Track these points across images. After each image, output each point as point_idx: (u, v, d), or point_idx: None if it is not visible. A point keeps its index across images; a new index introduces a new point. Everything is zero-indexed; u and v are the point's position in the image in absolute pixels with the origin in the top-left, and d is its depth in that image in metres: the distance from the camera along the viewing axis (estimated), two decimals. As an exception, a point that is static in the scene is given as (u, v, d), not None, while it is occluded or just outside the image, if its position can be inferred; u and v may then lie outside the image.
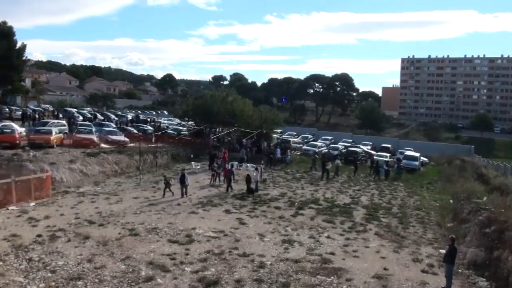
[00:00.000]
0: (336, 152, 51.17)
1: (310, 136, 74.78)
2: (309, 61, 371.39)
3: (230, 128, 52.74)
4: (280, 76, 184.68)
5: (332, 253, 18.26)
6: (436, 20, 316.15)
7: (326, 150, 54.53)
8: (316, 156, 48.22)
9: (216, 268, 15.88)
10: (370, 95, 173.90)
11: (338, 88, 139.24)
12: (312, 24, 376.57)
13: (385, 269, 16.85)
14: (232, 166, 35.99)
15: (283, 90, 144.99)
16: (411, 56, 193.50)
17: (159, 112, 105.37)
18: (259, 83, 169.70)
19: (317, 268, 16.57)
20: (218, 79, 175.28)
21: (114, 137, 42.97)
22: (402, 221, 24.84)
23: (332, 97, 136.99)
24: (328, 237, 20.77)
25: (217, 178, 33.80)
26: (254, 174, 31.33)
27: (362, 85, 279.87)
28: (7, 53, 66.85)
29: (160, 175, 33.43)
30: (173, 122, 73.49)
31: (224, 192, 30.57)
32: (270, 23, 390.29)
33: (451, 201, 30.80)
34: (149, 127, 59.65)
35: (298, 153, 51.70)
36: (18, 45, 71.28)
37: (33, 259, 15.87)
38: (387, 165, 44.06)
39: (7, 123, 41.37)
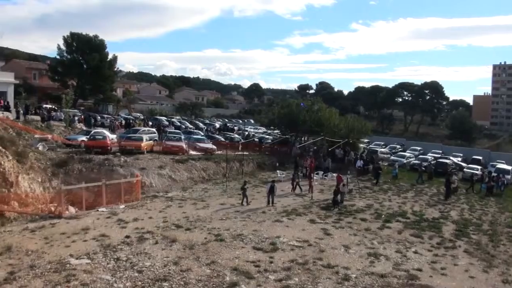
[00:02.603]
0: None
1: (398, 146, 72.93)
2: (397, 69, 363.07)
3: (315, 137, 52.42)
4: (367, 84, 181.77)
5: (419, 270, 17.47)
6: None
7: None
8: (423, 168, 46.66)
9: (300, 278, 15.63)
10: (460, 104, 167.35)
11: (428, 97, 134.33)
12: (398, 31, 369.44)
13: (473, 289, 16.01)
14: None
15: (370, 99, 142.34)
16: (503, 62, 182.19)
17: (246, 120, 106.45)
18: (345, 92, 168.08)
19: (404, 284, 15.92)
20: (304, 88, 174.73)
21: (202, 145, 43.96)
22: (492, 239, 23.50)
23: (421, 106, 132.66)
24: (415, 252, 19.92)
25: (297, 187, 33.53)
26: (341, 185, 30.81)
27: (452, 93, 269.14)
28: (99, 65, 70.64)
29: (247, 182, 33.76)
30: (259, 131, 74.07)
31: (310, 200, 30.35)
32: (356, 31, 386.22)
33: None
34: (236, 135, 60.43)
35: (386, 164, 50.44)
36: (110, 57, 75.01)
37: (121, 259, 16.30)
38: (493, 180, 41.65)
39: (99, 129, 43.23)
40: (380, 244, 20.69)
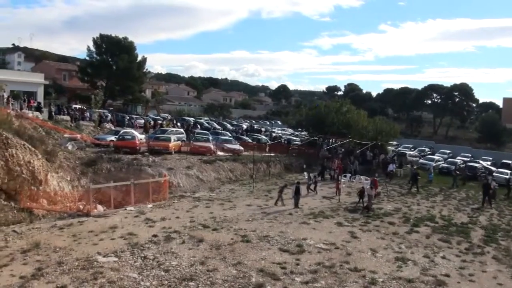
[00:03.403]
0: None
1: (427, 150, 72.05)
2: (426, 71, 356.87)
3: (343, 139, 52.15)
4: (396, 86, 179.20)
5: (447, 275, 17.17)
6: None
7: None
8: (457, 172, 45.43)
9: (326, 281, 15.51)
10: (490, 106, 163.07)
11: (457, 99, 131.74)
12: (427, 32, 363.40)
13: (501, 297, 15.67)
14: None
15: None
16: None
17: (273, 122, 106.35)
18: (374, 94, 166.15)
19: (431, 289, 15.77)
20: (332, 89, 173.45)
21: (229, 146, 44.24)
22: (521, 245, 23.03)
23: (450, 109, 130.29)
24: (443, 257, 19.56)
25: (313, 190, 33.23)
26: (368, 187, 30.55)
27: (481, 96, 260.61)
28: (128, 66, 71.30)
29: (273, 184, 33.77)
30: (286, 132, 73.97)
31: (337, 202, 30.19)
32: (385, 32, 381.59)
33: None
34: (263, 137, 60.47)
35: (414, 167, 49.76)
36: (139, 58, 75.67)
37: (148, 258, 16.44)
38: None
39: (128, 130, 43.69)
40: (408, 249, 20.43)
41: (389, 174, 42.68)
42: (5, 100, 40.28)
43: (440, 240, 22.53)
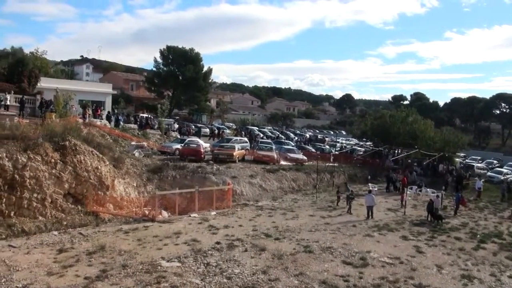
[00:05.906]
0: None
1: (495, 162, 69.56)
2: (494, 79, 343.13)
3: (409, 149, 51.13)
4: (463, 95, 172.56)
5: (513, 296, 16.44)
6: None
7: None
8: None
9: (390, 296, 15.20)
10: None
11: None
12: (494, 39, 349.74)
13: None
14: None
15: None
16: None
17: (337, 131, 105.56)
18: (441, 103, 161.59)
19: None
20: (397, 98, 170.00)
21: (292, 155, 44.16)
22: None
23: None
24: (510, 277, 18.62)
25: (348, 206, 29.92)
26: (433, 199, 29.71)
27: None
28: (194, 76, 73.12)
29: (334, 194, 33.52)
30: (350, 142, 73.29)
31: (402, 215, 29.49)
32: (450, 39, 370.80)
33: None
34: (327, 146, 60.14)
35: (482, 180, 48.10)
36: (205, 69, 77.58)
37: (211, 264, 16.61)
38: None
39: (193, 138, 44.40)
40: (474, 266, 19.60)
41: (479, 192, 40.52)
42: (75, 109, 41.44)
43: (507, 258, 21.44)
